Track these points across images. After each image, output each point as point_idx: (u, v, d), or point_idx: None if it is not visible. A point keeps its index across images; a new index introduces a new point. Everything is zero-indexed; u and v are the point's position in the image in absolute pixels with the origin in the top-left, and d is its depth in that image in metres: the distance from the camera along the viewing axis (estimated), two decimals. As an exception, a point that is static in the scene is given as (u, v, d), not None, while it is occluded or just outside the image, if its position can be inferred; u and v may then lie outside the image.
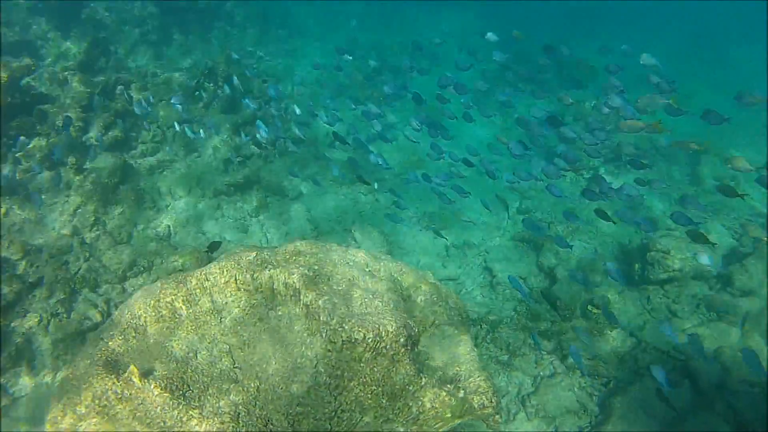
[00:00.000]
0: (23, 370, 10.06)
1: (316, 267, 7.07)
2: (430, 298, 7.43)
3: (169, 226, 12.58)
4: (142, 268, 11.51)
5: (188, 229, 12.64)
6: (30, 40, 18.00)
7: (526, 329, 11.39)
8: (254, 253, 7.25)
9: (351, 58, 14.50)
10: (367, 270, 7.39)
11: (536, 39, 26.07)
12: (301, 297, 6.51)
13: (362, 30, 26.27)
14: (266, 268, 6.89)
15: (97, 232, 11.93)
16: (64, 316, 10.86)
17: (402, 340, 5.95)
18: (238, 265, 6.99)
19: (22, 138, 12.93)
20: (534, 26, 29.55)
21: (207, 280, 6.92)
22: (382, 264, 7.61)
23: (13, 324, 10.56)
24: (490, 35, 13.82)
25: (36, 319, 10.65)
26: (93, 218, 12.03)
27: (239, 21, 22.14)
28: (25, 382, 9.88)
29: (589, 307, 11.59)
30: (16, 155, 12.97)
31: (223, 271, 6.92)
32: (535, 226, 11.10)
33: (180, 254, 11.23)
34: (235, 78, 14.00)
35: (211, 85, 15.12)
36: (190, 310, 6.74)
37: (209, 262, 7.51)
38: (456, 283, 13.48)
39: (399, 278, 7.53)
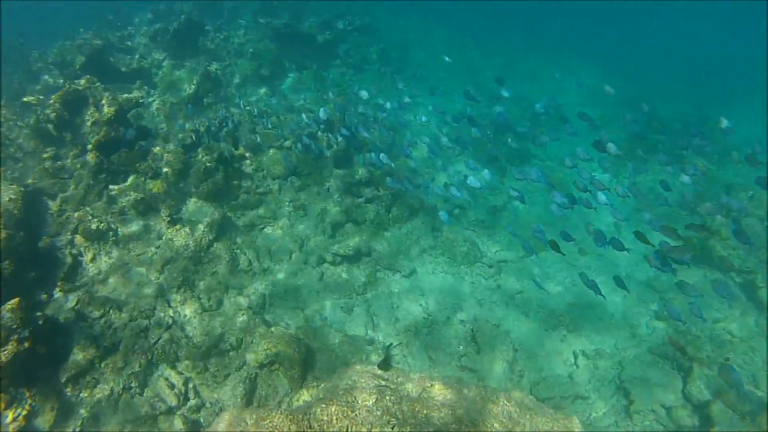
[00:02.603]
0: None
1: None
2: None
3: (264, 296, 10.88)
4: (229, 347, 9.79)
5: (285, 301, 10.88)
6: (145, 68, 17.32)
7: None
8: (374, 398, 5.25)
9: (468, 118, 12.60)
10: None
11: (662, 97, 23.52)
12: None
13: (482, 77, 24.50)
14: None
15: (185, 295, 10.38)
16: (137, 391, 9.27)
17: None
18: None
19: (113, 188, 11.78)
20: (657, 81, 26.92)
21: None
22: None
23: (82, 394, 9.06)
24: (610, 148, 11.51)
25: (107, 391, 9.12)
26: (181, 278, 10.51)
27: (354, 62, 20.82)
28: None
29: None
30: (110, 193, 11.80)
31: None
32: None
33: (272, 340, 9.41)
34: (362, 130, 12.33)
35: (326, 135, 13.55)
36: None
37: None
38: (585, 402, 10.98)
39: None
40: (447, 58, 17.09)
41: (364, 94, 13.66)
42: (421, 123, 13.67)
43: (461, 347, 10.49)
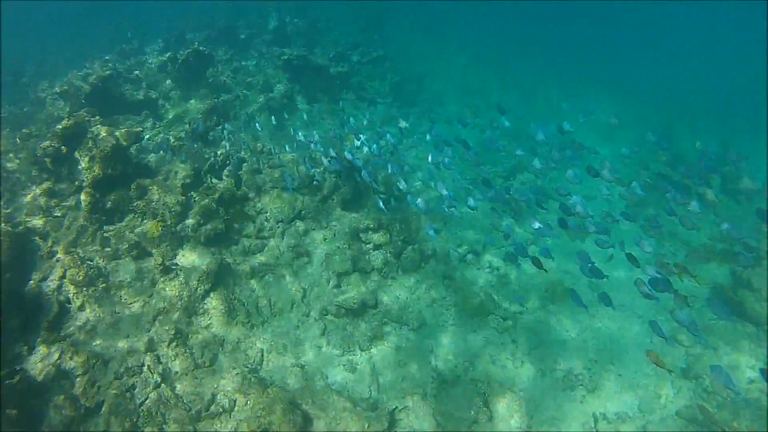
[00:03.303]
0: None
1: None
2: None
3: (261, 351, 10.13)
4: (221, 409, 9.02)
5: (284, 358, 10.12)
6: (153, 99, 16.90)
7: None
8: None
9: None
10: None
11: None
12: None
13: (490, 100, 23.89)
14: None
15: (176, 350, 9.65)
16: (118, 460, 8.52)
17: None
18: None
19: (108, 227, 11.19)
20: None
21: None
22: None
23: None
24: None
25: (85, 460, 8.39)
26: (174, 331, 9.79)
27: (369, 96, 20.28)
28: None
29: None
30: (105, 234, 11.19)
31: None
32: None
33: (268, 407, 8.64)
34: (368, 176, 11.66)
35: (333, 176, 12.91)
36: None
37: None
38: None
39: None
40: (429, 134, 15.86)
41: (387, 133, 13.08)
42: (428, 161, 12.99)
43: (472, 412, 9.64)
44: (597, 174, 10.89)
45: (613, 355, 11.19)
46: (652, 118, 25.07)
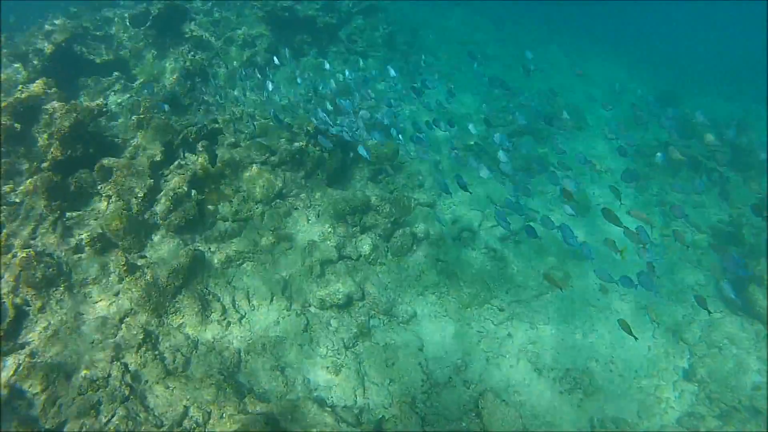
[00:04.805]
0: None
1: None
2: None
3: (239, 351, 9.37)
4: (194, 424, 8.34)
5: (264, 358, 9.38)
6: (124, 59, 15.54)
7: None
8: None
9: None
10: None
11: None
12: None
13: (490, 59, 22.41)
14: None
15: (145, 356, 8.88)
16: (84, 483, 7.92)
17: None
18: None
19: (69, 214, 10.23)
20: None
21: None
22: None
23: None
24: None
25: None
26: (142, 335, 8.99)
27: (358, 48, 18.75)
28: None
29: None
30: (66, 223, 10.25)
31: None
32: None
33: (242, 425, 7.92)
34: (362, 150, 10.60)
35: (317, 149, 11.80)
36: None
37: None
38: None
39: None
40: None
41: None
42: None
43: (464, 423, 8.98)
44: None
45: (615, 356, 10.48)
46: (658, 82, 23.67)
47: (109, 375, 8.55)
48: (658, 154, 10.30)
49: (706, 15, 41.82)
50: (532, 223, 9.81)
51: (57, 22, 15.31)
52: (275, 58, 14.58)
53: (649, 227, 10.55)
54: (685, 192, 12.60)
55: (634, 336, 8.59)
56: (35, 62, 14.11)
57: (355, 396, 9.17)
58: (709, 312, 9.36)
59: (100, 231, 9.81)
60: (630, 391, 10.03)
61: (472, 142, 14.55)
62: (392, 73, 14.18)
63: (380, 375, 9.52)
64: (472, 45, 22.47)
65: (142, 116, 11.74)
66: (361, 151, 10.60)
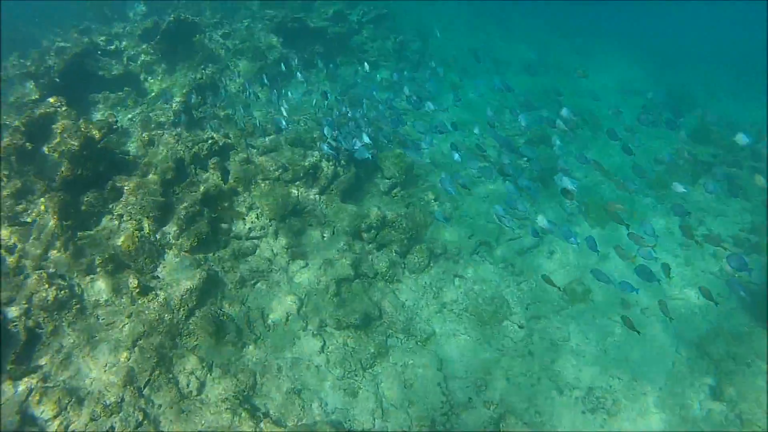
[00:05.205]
0: None
1: None
2: None
3: (254, 374, 9.15)
4: (208, 451, 8.13)
5: (280, 381, 9.16)
6: (134, 73, 15.46)
7: None
8: None
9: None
10: None
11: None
12: None
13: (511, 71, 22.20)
14: None
15: (159, 380, 8.70)
16: None
17: None
18: None
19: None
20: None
21: None
22: None
23: None
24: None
25: None
26: (156, 359, 8.81)
27: (371, 59, 18.56)
28: None
29: None
30: (78, 243, 10.10)
31: None
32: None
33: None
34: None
35: (331, 163, 11.61)
36: None
37: None
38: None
39: None
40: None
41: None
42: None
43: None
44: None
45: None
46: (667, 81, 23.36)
47: (122, 400, 8.36)
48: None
49: (710, 16, 41.39)
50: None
51: (69, 36, 15.27)
52: (298, 73, 14.32)
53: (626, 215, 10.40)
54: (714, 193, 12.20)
55: (636, 330, 8.50)
56: (46, 80, 14.04)
57: (374, 419, 8.91)
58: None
59: (112, 252, 9.65)
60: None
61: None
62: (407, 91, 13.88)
63: (398, 395, 9.27)
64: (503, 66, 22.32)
65: (153, 133, 11.61)
66: (362, 153, 10.39)
